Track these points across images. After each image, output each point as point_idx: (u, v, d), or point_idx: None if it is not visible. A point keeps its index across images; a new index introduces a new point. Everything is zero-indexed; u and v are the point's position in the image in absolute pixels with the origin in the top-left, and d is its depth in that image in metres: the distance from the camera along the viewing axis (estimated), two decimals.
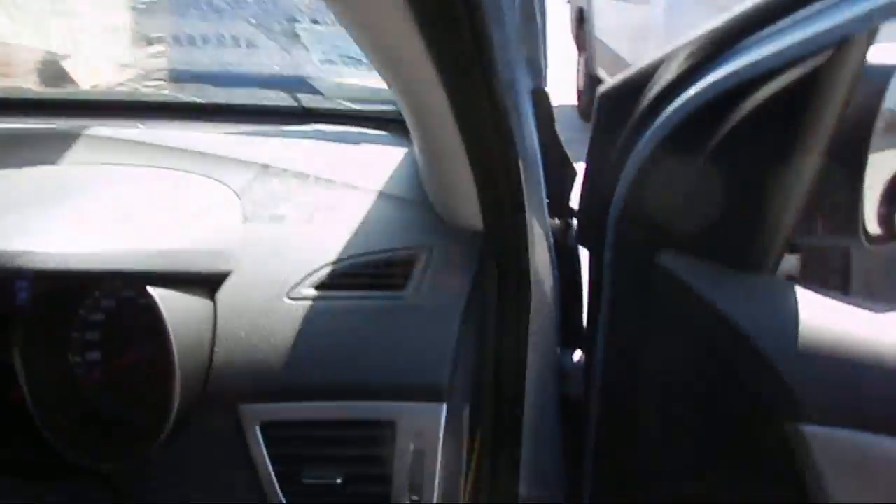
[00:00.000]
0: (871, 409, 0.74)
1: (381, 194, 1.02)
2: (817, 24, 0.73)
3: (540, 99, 1.00)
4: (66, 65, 1.52)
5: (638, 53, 3.47)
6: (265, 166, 1.08)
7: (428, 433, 0.78)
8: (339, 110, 1.32)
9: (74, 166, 1.05)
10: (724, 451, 0.84)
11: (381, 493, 0.78)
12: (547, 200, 0.98)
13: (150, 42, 1.54)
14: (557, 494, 1.15)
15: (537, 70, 1.00)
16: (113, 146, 1.11)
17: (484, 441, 0.97)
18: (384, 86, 1.32)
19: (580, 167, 1.05)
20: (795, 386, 0.73)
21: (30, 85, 1.50)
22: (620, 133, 0.92)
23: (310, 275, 0.87)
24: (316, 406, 0.80)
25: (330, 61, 1.39)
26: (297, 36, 1.42)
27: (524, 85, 0.93)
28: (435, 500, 0.78)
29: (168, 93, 1.45)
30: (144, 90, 1.47)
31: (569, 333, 1.15)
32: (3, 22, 1.52)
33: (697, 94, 0.83)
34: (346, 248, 0.91)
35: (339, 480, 0.78)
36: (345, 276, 0.87)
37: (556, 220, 1.12)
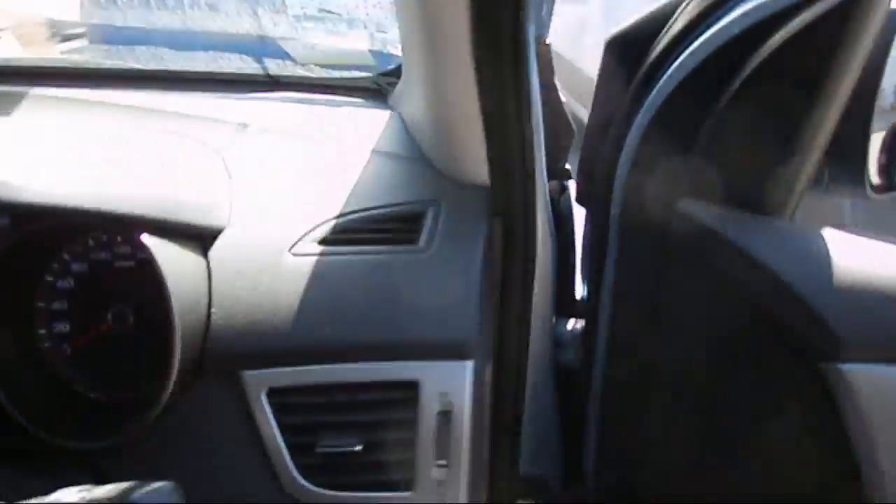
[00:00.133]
0: None
1: (374, 151, 0.96)
2: None
3: (542, 52, 0.96)
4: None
5: (577, 51, 3.54)
6: (243, 125, 1.00)
7: (454, 393, 0.72)
8: (312, 79, 1.24)
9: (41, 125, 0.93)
10: (757, 396, 0.81)
11: (404, 459, 0.72)
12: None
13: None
14: (556, 469, 1.11)
15: (541, 21, 0.96)
16: (70, 107, 1.00)
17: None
18: (360, 47, 1.24)
19: None
20: (833, 325, 0.72)
21: None
22: (630, 81, 0.89)
23: (311, 230, 0.79)
24: (329, 369, 0.72)
25: (307, 17, 1.31)
26: None
27: (532, 37, 0.89)
28: (464, 465, 0.72)
29: (113, 61, 1.32)
30: (81, 57, 1.34)
31: (562, 302, 1.11)
32: None
33: (714, 36, 0.80)
34: (346, 204, 0.84)
35: (357, 448, 0.71)
36: (349, 232, 0.80)
37: (552, 183, 1.09)
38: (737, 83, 0.80)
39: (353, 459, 0.71)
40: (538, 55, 0.94)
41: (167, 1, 1.35)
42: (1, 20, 1.38)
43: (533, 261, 0.92)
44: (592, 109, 0.94)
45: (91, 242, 0.78)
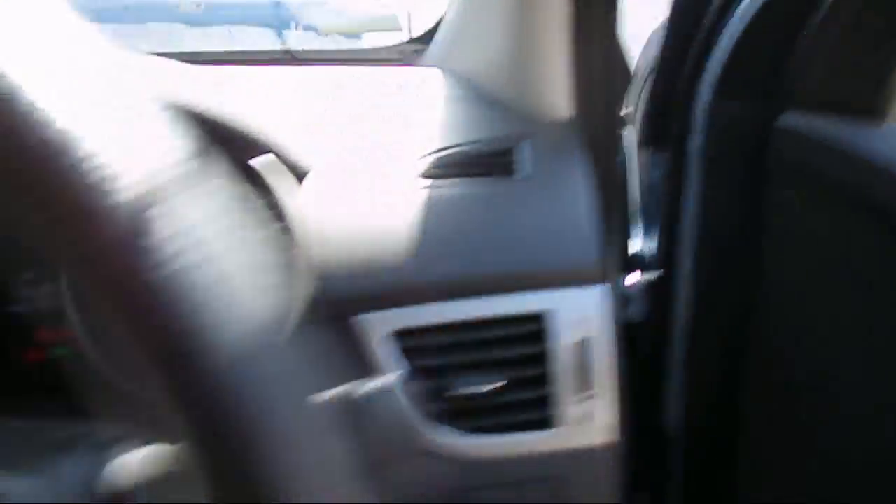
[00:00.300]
0: None
1: (442, 98, 0.91)
2: None
3: None
4: None
5: None
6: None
7: (590, 321, 0.67)
8: (338, 53, 1.19)
9: None
10: None
11: (541, 396, 0.66)
12: None
13: None
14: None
15: None
16: None
17: None
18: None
19: None
20: None
21: None
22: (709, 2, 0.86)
23: (411, 165, 0.74)
24: (452, 306, 0.66)
25: None
26: None
27: None
28: (607, 398, 0.67)
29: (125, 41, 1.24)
30: None
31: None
32: None
33: None
34: (437, 142, 0.79)
35: (490, 388, 0.65)
36: (449, 166, 0.75)
37: None
38: None
39: (487, 401, 0.65)
40: None
41: None
42: None
43: (621, 196, 0.88)
44: (666, 38, 0.91)
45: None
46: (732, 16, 0.82)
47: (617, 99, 1.05)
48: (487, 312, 0.67)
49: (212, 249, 0.24)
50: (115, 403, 0.66)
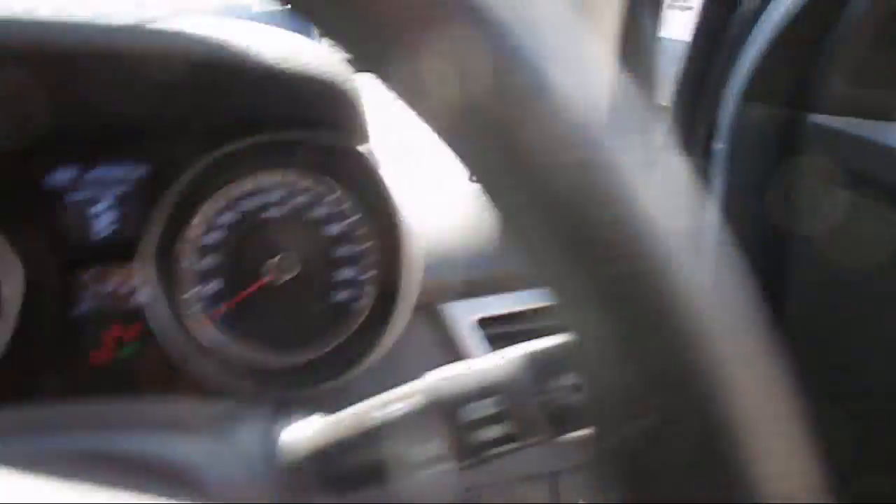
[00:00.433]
0: None
1: None
2: None
3: None
4: None
5: None
6: None
7: None
8: None
9: None
10: None
11: None
12: None
13: None
14: None
15: None
16: None
17: None
18: None
19: None
20: None
21: None
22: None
23: None
24: (530, 294, 0.68)
25: None
26: None
27: None
28: None
29: None
30: None
31: None
32: None
33: None
34: None
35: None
36: None
37: None
38: None
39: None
40: None
41: None
42: None
43: None
44: (693, 43, 0.96)
45: (242, 188, 0.70)
46: (760, 22, 0.88)
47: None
48: None
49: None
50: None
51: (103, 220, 0.68)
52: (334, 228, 0.73)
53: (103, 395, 0.60)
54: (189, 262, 0.69)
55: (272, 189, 0.71)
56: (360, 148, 0.62)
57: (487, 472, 0.64)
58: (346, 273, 0.72)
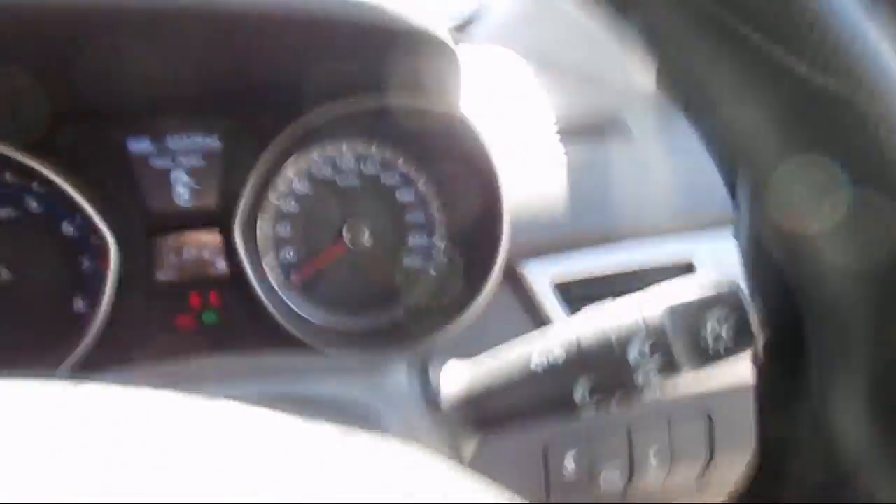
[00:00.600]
0: None
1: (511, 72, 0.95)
2: None
3: None
4: None
5: None
6: None
7: (730, 263, 0.72)
8: None
9: None
10: None
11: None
12: None
13: None
14: None
15: None
16: None
17: None
18: None
19: None
20: None
21: None
22: None
23: (534, 127, 0.78)
24: (609, 257, 0.70)
25: None
26: None
27: None
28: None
29: None
30: None
31: None
32: None
33: None
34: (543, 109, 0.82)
35: None
36: (566, 131, 0.79)
37: None
38: None
39: None
40: None
41: None
42: None
43: None
44: None
45: (316, 156, 0.71)
46: None
47: None
48: (643, 261, 0.71)
49: None
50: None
51: (183, 188, 0.68)
52: (406, 195, 0.74)
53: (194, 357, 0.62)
54: (269, 229, 0.71)
55: (346, 156, 0.72)
56: (458, 112, 0.63)
57: (567, 424, 0.67)
58: (419, 239, 0.74)
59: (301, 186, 0.72)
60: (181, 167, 0.68)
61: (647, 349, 0.38)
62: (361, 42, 0.56)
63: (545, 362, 0.39)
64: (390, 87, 0.62)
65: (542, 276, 0.68)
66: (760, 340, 0.38)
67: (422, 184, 0.74)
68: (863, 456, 0.33)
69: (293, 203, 0.71)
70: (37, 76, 0.59)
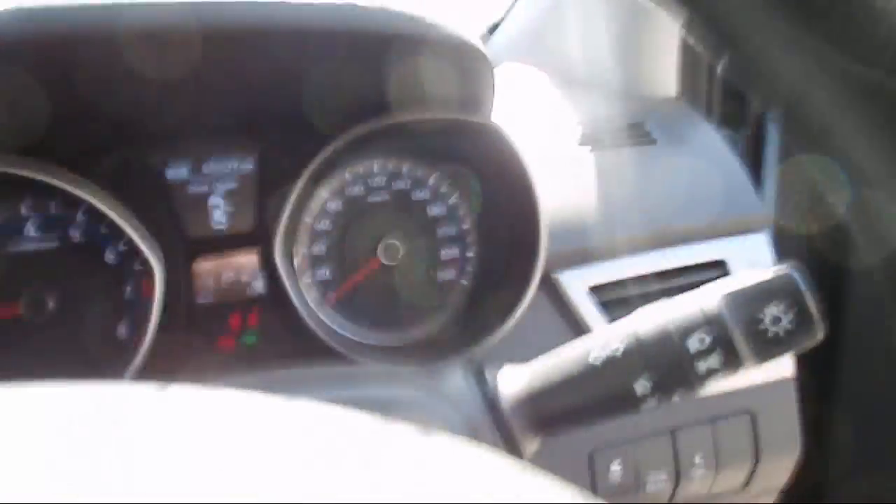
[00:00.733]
0: None
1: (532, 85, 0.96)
2: None
3: None
4: None
5: None
6: None
7: (762, 263, 0.72)
8: None
9: None
10: None
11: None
12: None
13: None
14: None
15: None
16: None
17: None
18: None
19: None
20: None
21: None
22: None
23: (563, 133, 0.79)
24: (642, 259, 0.71)
25: None
26: None
27: None
28: None
29: None
30: None
31: None
32: None
33: None
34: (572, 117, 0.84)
35: None
36: (591, 138, 0.80)
37: None
38: None
39: None
40: None
41: None
42: None
43: None
44: None
45: (348, 175, 0.73)
46: None
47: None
48: (675, 263, 0.71)
49: None
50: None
51: (220, 212, 0.70)
52: (438, 209, 0.75)
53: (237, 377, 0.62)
54: (305, 249, 0.71)
55: (377, 174, 0.74)
56: (492, 122, 0.64)
57: (608, 429, 0.67)
58: (451, 252, 0.75)
59: (334, 205, 0.73)
60: (218, 192, 0.70)
61: (707, 340, 0.38)
62: (396, 53, 0.57)
63: (604, 357, 0.39)
64: (424, 100, 0.63)
65: (576, 282, 0.69)
66: (821, 328, 0.38)
67: (453, 198, 0.74)
68: None
69: (327, 222, 0.72)
70: (77, 105, 0.61)
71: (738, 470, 0.72)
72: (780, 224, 0.76)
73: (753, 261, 0.73)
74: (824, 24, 0.25)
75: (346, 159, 0.71)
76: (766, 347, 0.38)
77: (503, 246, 0.69)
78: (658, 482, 0.68)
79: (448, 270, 0.75)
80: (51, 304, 0.64)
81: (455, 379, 0.42)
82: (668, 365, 0.38)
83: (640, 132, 0.82)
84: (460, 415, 0.40)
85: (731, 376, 0.39)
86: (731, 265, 0.72)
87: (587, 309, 0.68)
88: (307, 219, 0.72)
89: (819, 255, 0.82)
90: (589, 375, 0.39)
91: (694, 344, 0.38)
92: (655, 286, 0.71)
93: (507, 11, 1.14)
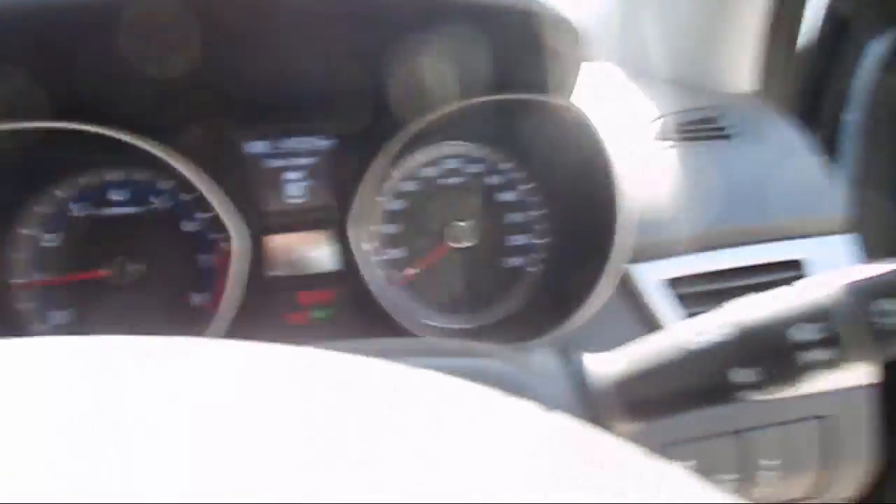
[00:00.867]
0: None
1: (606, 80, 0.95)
2: None
3: None
4: None
5: None
6: None
7: (840, 266, 0.70)
8: None
9: None
10: None
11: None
12: None
13: None
14: None
15: None
16: None
17: None
18: None
19: None
20: None
21: None
22: None
23: (641, 128, 0.78)
24: (718, 255, 0.69)
25: None
26: None
27: None
28: None
29: None
30: None
31: None
32: None
33: None
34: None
35: None
36: (666, 133, 0.78)
37: None
38: None
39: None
40: None
41: None
42: None
43: None
44: (824, 19, 0.97)
45: (422, 157, 0.73)
46: None
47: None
48: (748, 261, 0.69)
49: None
50: None
51: (295, 187, 0.70)
52: (508, 195, 0.75)
53: None
54: (376, 228, 0.72)
55: (450, 157, 0.74)
56: (574, 104, 0.64)
57: (676, 428, 0.66)
58: (520, 239, 0.74)
59: (407, 186, 0.73)
60: (294, 167, 0.70)
61: (814, 332, 0.37)
62: (482, 28, 0.57)
63: (704, 344, 0.38)
64: (507, 80, 0.63)
65: (650, 275, 0.68)
66: None
67: (524, 184, 0.74)
68: None
69: (399, 203, 0.73)
70: (161, 77, 0.62)
71: (806, 476, 0.70)
72: (865, 225, 0.74)
73: (831, 262, 0.70)
74: None
75: (421, 141, 0.71)
76: (877, 344, 0.37)
77: (577, 235, 0.68)
78: (722, 484, 0.67)
79: (517, 257, 0.74)
80: (133, 269, 0.65)
81: (542, 358, 0.41)
82: (771, 356, 0.37)
83: (715, 127, 0.81)
84: (549, 394, 0.39)
85: (835, 372, 0.38)
86: (808, 266, 0.70)
87: (660, 302, 0.67)
88: (380, 198, 0.72)
89: None
90: (686, 362, 0.38)
91: (800, 335, 0.37)
92: (729, 283, 0.69)
93: (580, 4, 1.13)
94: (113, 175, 0.67)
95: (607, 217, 0.63)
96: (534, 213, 0.74)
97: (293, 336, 0.70)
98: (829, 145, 1.00)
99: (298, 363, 0.28)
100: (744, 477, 0.67)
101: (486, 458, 0.22)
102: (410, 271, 0.72)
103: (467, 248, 0.73)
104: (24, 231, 0.65)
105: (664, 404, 0.40)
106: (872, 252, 0.72)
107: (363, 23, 0.59)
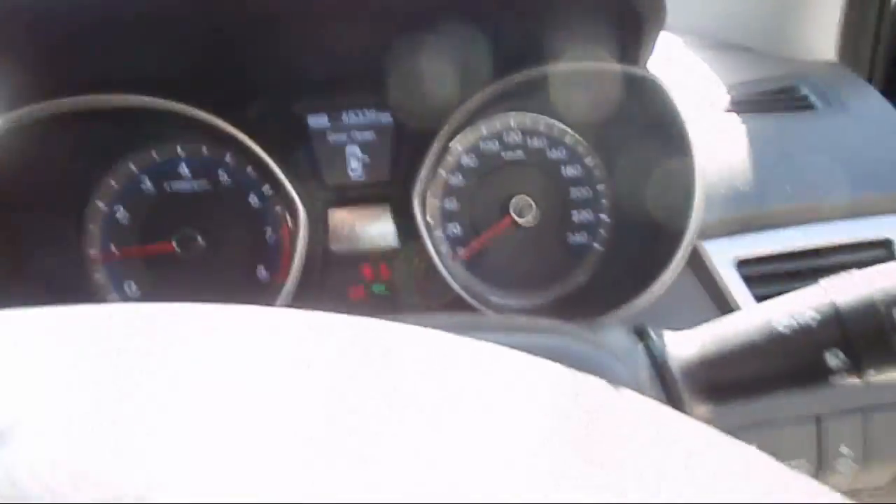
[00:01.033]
0: None
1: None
2: None
3: None
4: None
5: None
6: None
7: None
8: None
9: None
10: None
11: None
12: None
13: None
14: None
15: None
16: None
17: None
18: None
19: None
20: None
21: None
22: None
23: (711, 101, 0.74)
24: (792, 233, 0.66)
25: None
26: None
27: None
28: None
29: None
30: None
31: None
32: None
33: None
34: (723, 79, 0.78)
35: None
36: (741, 103, 0.74)
37: None
38: None
39: None
40: None
41: None
42: None
43: None
44: None
45: (484, 131, 0.71)
46: None
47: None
48: (831, 239, 0.66)
49: None
50: None
51: (357, 162, 0.70)
52: (571, 170, 0.72)
53: None
54: (438, 203, 0.71)
55: (513, 131, 0.72)
56: (652, 74, 0.61)
57: (754, 411, 0.63)
58: (585, 215, 0.72)
59: (468, 161, 0.71)
60: (355, 142, 0.70)
61: None
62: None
63: (795, 325, 0.36)
64: (577, 47, 0.60)
65: (723, 254, 0.65)
66: None
67: (589, 158, 0.72)
68: None
69: (461, 177, 0.72)
70: (230, 51, 0.62)
71: (887, 465, 0.67)
72: None
73: None
74: None
75: (483, 114, 0.70)
76: None
77: (647, 210, 0.65)
78: (798, 469, 0.64)
79: (581, 234, 0.72)
80: (200, 243, 0.66)
81: (617, 336, 0.40)
82: (869, 338, 0.35)
83: (794, 97, 0.76)
84: (627, 373, 0.38)
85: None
86: None
87: (733, 283, 0.64)
88: (442, 172, 0.71)
89: None
90: (777, 343, 0.36)
91: None
92: (810, 263, 0.66)
93: None
94: (182, 150, 0.68)
95: (683, 191, 0.60)
96: (599, 188, 0.72)
97: (356, 311, 0.70)
98: None
99: (372, 335, 0.27)
100: (819, 463, 0.65)
101: (567, 435, 0.21)
102: (472, 247, 0.71)
103: (529, 224, 0.71)
104: (100, 204, 0.67)
105: (749, 387, 0.38)
106: None
107: None
